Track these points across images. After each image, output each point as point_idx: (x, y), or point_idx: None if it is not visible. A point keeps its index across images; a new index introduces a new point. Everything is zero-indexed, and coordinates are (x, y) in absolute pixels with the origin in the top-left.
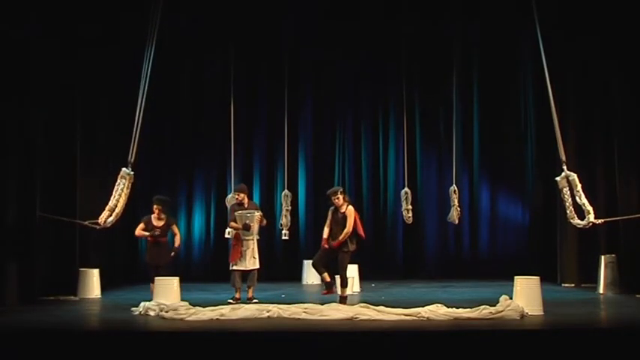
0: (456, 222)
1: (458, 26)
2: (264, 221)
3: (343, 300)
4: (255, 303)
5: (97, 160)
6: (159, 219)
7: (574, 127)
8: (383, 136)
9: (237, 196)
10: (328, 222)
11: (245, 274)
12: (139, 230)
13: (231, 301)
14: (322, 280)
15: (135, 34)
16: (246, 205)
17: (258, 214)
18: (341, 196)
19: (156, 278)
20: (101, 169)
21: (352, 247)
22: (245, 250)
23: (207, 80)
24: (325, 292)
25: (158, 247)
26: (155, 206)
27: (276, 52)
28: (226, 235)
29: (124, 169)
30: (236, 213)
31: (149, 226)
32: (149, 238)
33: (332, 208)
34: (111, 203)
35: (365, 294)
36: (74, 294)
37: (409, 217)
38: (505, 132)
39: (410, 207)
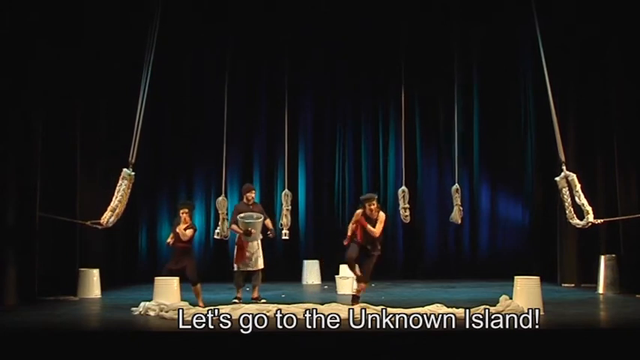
0: (459, 222)
1: (458, 25)
2: (271, 232)
3: (355, 298)
4: (263, 303)
5: (97, 160)
6: (184, 223)
7: (574, 127)
8: (383, 135)
9: (247, 196)
10: (354, 222)
11: (250, 274)
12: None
13: (235, 301)
14: (356, 275)
15: (135, 34)
16: (251, 207)
17: (259, 220)
18: (376, 204)
19: (156, 278)
20: (101, 170)
21: (380, 250)
22: (250, 253)
23: (207, 80)
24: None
25: (182, 253)
26: (182, 211)
27: (276, 51)
28: (215, 237)
29: (125, 169)
30: (239, 217)
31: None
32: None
33: (360, 211)
34: (113, 204)
35: (365, 294)
36: (74, 294)
37: (406, 215)
38: (505, 132)
39: (407, 206)
